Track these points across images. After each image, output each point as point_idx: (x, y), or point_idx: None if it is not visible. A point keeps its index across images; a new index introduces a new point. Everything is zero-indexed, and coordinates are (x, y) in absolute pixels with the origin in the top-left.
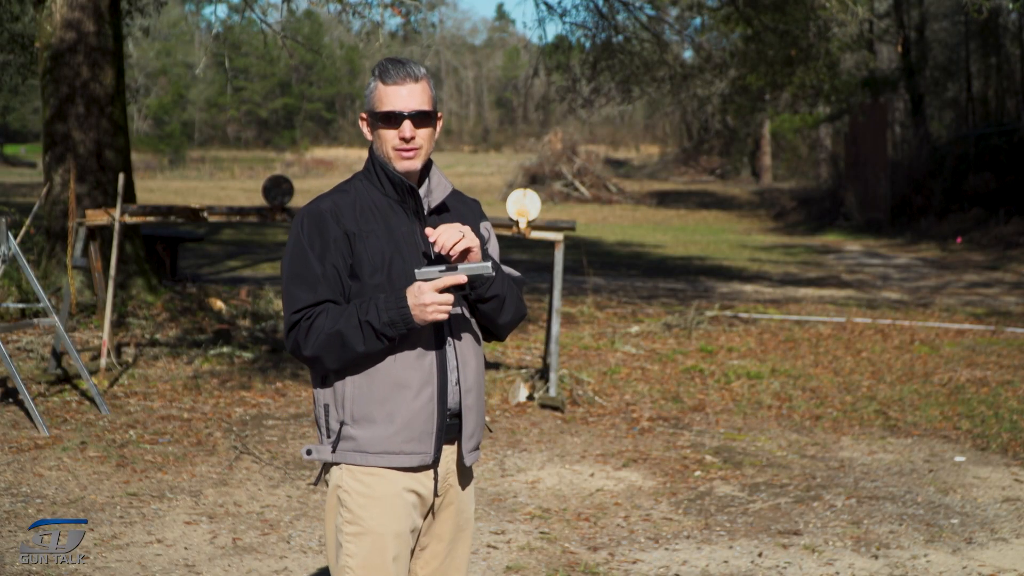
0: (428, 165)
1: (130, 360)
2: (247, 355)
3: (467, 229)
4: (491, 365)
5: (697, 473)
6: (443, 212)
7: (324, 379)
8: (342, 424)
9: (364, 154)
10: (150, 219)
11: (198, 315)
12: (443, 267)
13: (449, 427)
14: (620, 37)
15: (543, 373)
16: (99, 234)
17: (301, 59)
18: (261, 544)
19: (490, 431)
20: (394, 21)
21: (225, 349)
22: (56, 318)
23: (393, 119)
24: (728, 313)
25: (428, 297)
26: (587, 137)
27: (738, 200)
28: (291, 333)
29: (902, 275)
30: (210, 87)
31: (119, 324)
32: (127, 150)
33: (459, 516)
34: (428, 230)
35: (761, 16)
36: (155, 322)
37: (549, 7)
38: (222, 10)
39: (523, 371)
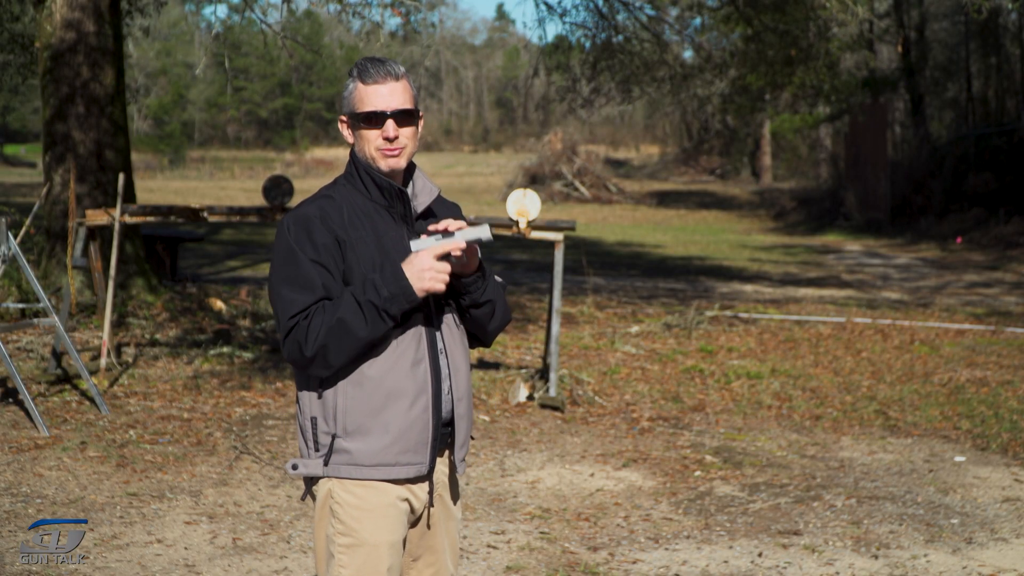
0: (411, 167)
1: (130, 360)
2: (247, 355)
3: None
4: (491, 365)
5: (697, 473)
6: (428, 217)
7: (312, 391)
8: (334, 437)
9: None
10: (150, 219)
11: (198, 315)
12: (439, 236)
13: (441, 436)
14: (620, 37)
15: (543, 373)
16: (99, 234)
17: (301, 59)
18: (261, 544)
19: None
20: (394, 21)
21: (225, 349)
22: (56, 318)
23: (375, 119)
24: (728, 313)
25: (426, 263)
26: (587, 137)
27: (738, 200)
28: (289, 336)
29: (902, 275)
30: (210, 87)
31: (119, 324)
32: (127, 150)
33: (449, 522)
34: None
35: (761, 16)
36: (155, 322)
37: (549, 7)
38: (222, 10)
39: (523, 371)
